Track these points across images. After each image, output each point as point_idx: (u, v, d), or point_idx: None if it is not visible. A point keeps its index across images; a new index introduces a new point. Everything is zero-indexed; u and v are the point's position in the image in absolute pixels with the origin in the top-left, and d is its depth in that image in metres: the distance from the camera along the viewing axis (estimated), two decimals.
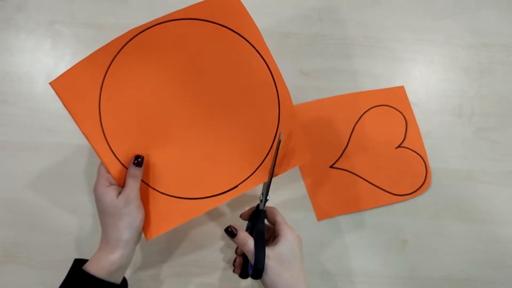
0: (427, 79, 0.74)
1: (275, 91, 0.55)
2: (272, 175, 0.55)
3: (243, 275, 0.56)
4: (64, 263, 0.63)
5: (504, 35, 0.75)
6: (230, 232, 0.52)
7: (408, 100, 0.72)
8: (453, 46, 0.75)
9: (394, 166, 0.70)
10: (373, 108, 0.71)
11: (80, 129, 0.52)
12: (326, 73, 0.73)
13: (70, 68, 0.51)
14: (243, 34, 0.54)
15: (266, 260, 0.50)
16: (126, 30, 0.72)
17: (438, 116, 0.72)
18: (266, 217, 0.55)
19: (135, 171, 0.53)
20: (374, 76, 0.73)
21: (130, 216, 0.51)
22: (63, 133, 0.69)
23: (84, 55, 0.71)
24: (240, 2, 0.52)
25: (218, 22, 0.53)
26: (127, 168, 0.54)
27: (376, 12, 0.76)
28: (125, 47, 0.52)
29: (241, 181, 0.56)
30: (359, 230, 0.68)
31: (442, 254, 0.67)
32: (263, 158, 0.56)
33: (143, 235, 0.55)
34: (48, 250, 0.65)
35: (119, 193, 0.52)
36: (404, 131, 0.71)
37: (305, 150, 0.57)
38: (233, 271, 0.57)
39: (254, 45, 0.54)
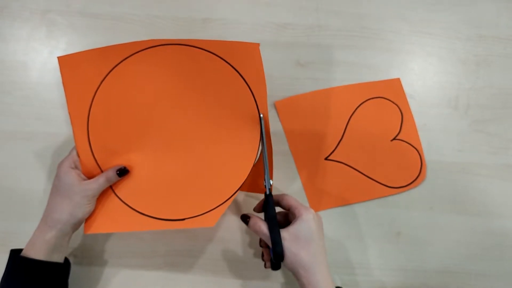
0: (424, 71, 0.73)
1: (257, 148, 0.57)
2: (266, 159, 0.56)
3: (274, 266, 0.56)
4: None
5: (501, 27, 0.75)
6: (244, 219, 0.54)
7: (404, 92, 0.72)
8: (450, 38, 0.75)
9: (389, 158, 0.69)
10: (369, 100, 0.71)
11: (68, 108, 0.54)
12: (322, 64, 0.72)
13: (82, 51, 0.53)
14: (250, 85, 0.56)
15: (282, 242, 0.50)
16: (121, 19, 0.72)
17: (434, 108, 0.72)
18: (279, 204, 0.56)
19: (113, 177, 0.55)
20: (371, 68, 0.73)
21: (79, 206, 0.52)
22: (57, 122, 0.68)
23: (79, 44, 0.72)
24: (259, 54, 0.55)
25: (232, 65, 0.56)
26: (95, 160, 0.56)
27: (373, 3, 0.75)
28: (139, 53, 0.55)
29: (190, 216, 0.56)
30: (353, 222, 0.67)
31: (437, 246, 0.67)
32: (218, 204, 0.56)
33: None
34: None
35: (81, 179, 0.54)
36: (399, 124, 0.71)
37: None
38: (264, 266, 0.58)
39: (256, 99, 0.56)
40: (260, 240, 0.59)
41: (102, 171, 0.56)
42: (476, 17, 0.75)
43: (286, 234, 0.51)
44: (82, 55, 0.53)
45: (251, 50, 0.55)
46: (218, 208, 0.56)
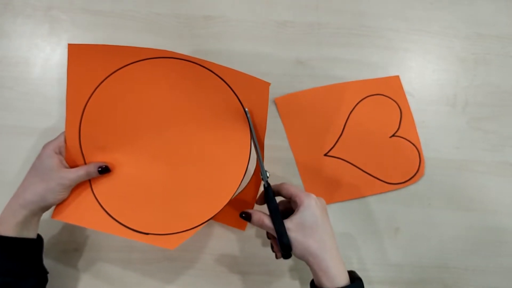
0: (422, 69, 0.74)
1: (239, 183, 0.56)
2: (258, 151, 0.55)
3: (285, 256, 0.56)
4: (58, 245, 0.64)
5: (500, 26, 0.76)
6: (245, 217, 0.54)
7: (403, 89, 0.73)
8: (448, 37, 0.75)
9: (388, 155, 0.70)
10: (368, 97, 0.72)
11: (66, 94, 0.54)
12: (322, 62, 0.73)
13: (94, 44, 0.53)
14: (251, 117, 0.56)
15: (288, 233, 0.50)
16: (123, 16, 0.73)
17: (433, 105, 0.72)
18: (280, 194, 0.55)
19: (93, 173, 0.55)
20: (370, 65, 0.73)
21: (53, 192, 0.53)
22: (59, 118, 0.69)
23: (81, 40, 0.73)
24: (267, 93, 0.55)
25: (238, 96, 0.56)
26: (81, 151, 0.56)
27: (372, 1, 0.76)
28: (150, 60, 0.55)
29: (154, 232, 0.56)
30: (352, 218, 0.68)
31: (434, 242, 0.68)
32: (185, 229, 0.56)
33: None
34: (42, 233, 0.65)
35: (61, 165, 0.54)
36: (398, 121, 0.71)
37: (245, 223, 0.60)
38: (276, 257, 0.57)
39: (254, 134, 0.56)
40: (267, 232, 0.59)
41: (85, 163, 0.56)
42: (474, 16, 0.76)
43: (290, 224, 0.50)
44: (93, 48, 0.53)
45: (260, 87, 0.55)
46: (183, 232, 0.55)
